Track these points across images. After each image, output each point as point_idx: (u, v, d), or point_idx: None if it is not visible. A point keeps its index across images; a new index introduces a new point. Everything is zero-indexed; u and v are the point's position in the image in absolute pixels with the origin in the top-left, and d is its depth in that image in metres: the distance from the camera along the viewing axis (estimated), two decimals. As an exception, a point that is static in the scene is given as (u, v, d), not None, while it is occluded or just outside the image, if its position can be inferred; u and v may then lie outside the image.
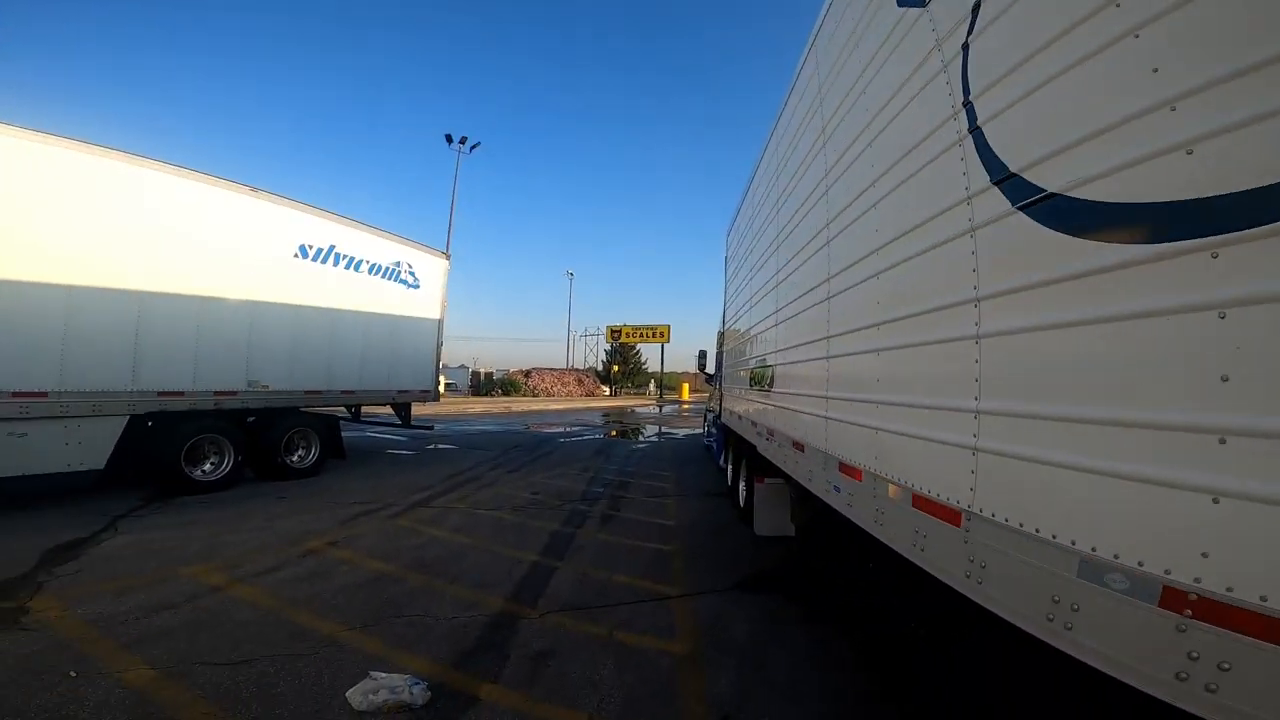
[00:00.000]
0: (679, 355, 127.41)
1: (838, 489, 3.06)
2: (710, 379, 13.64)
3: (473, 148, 42.24)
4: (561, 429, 20.07)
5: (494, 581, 5.06)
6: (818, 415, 3.49)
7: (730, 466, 8.85)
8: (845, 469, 2.94)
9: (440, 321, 12.74)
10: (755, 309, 6.21)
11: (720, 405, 9.98)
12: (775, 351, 5.01)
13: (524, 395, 46.98)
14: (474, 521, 6.91)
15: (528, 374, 52.69)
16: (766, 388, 5.44)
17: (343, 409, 12.13)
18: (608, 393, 54.39)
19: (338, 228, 10.31)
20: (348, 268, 10.47)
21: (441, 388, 40.13)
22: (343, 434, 10.46)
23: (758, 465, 6.15)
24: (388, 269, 11.34)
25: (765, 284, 5.52)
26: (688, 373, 55.23)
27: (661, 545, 6.18)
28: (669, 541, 6.33)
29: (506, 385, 49.56)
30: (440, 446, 13.74)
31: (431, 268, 12.47)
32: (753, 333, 6.42)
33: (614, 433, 19.50)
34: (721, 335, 10.69)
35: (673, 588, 5.01)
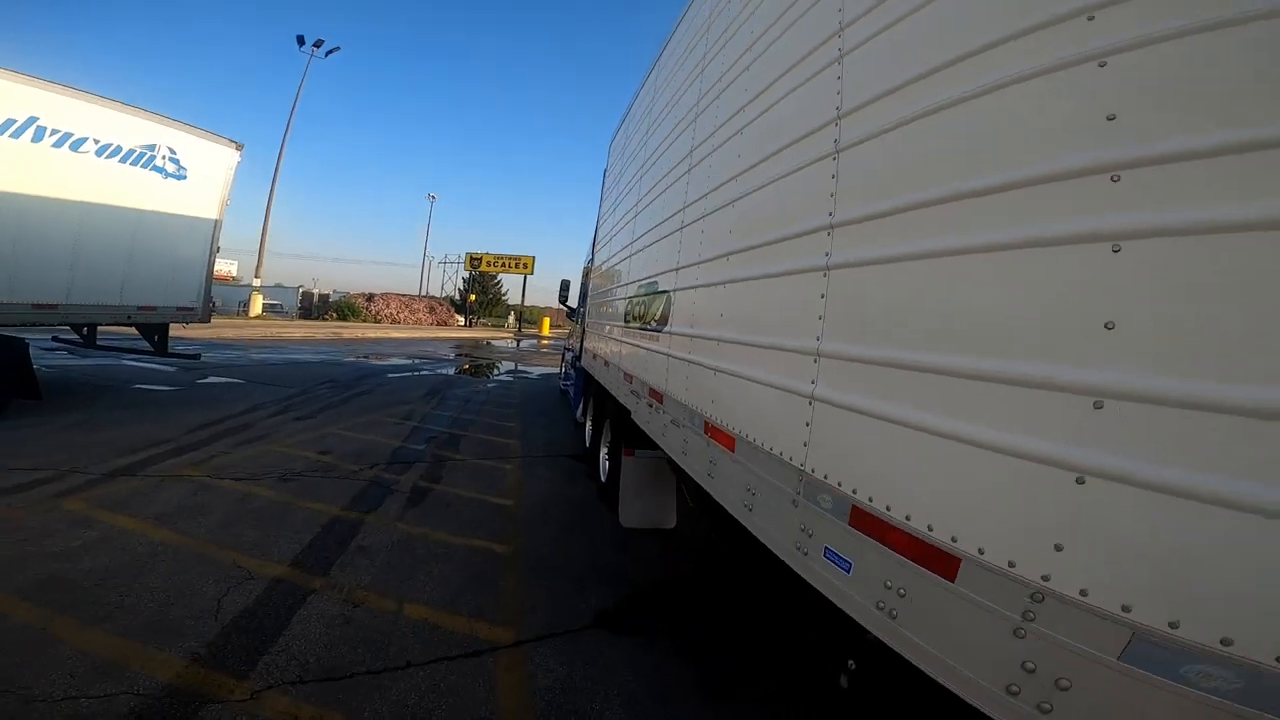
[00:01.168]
0: (543, 289, 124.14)
1: (846, 564, 1.39)
2: (572, 313, 11.80)
3: (329, 53, 35.26)
4: (397, 361, 17.15)
5: (181, 621, 2.98)
6: (786, 388, 1.77)
7: (590, 423, 7.18)
8: (895, 539, 1.27)
9: (217, 223, 9.87)
10: (645, 214, 4.39)
11: (581, 344, 8.17)
12: (676, 270, 3.25)
13: (364, 321, 41.92)
14: (203, 501, 4.57)
15: (370, 298, 47.12)
16: (654, 326, 3.70)
17: (69, 331, 8.88)
18: (462, 323, 50.49)
19: (44, 95, 7.06)
20: (58, 146, 7.29)
21: (257, 308, 34.68)
22: (84, 361, 7.37)
23: (627, 430, 4.53)
24: (133, 153, 8.23)
25: (667, 174, 3.68)
26: (550, 308, 53.28)
27: (491, 543, 4.35)
28: (503, 536, 4.51)
29: (343, 309, 43.93)
30: (218, 381, 10.55)
31: (207, 157, 9.49)
32: (637, 248, 4.62)
33: (460, 369, 17.02)
34: (589, 265, 8.81)
35: (500, 627, 3.25)
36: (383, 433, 7.37)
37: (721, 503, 2.29)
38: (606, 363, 5.61)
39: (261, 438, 6.60)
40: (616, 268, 5.65)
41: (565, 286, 12.02)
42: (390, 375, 13.56)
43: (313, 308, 44.63)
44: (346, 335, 26.41)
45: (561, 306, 13.05)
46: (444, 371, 15.64)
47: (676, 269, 3.27)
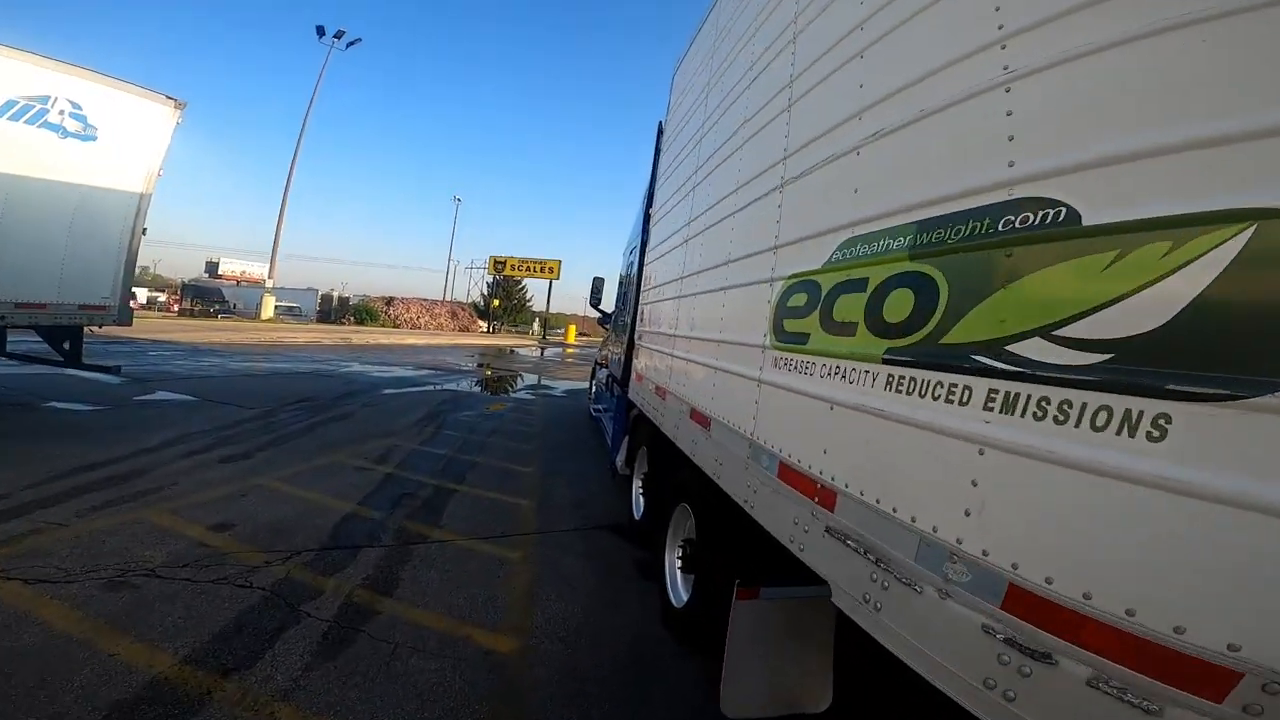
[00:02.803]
0: (568, 297, 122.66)
1: None
2: (606, 319, 9.47)
3: (349, 44, 33.90)
4: (401, 373, 14.96)
5: None
6: None
7: (641, 485, 4.82)
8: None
9: (143, 199, 7.72)
10: (848, 73, 2.06)
11: (626, 364, 5.75)
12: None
13: (382, 326, 40.27)
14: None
15: (390, 302, 45.60)
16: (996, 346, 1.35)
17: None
18: (485, 329, 48.61)
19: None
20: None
21: (269, 310, 32.98)
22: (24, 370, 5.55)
23: (733, 536, 2.27)
24: (13, 105, 6.26)
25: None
26: (576, 314, 51.42)
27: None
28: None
29: (361, 313, 42.42)
30: (164, 398, 8.34)
31: (129, 115, 7.42)
32: (801, 168, 2.28)
33: (474, 382, 14.75)
34: (632, 263, 6.54)
35: None
36: (337, 486, 5.04)
37: None
38: (701, 417, 3.15)
39: (144, 494, 4.34)
40: (713, 230, 3.29)
41: (598, 286, 9.68)
42: (386, 391, 11.33)
43: (331, 311, 43.31)
44: (357, 341, 24.46)
45: (592, 312, 10.76)
46: (454, 386, 13.39)
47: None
